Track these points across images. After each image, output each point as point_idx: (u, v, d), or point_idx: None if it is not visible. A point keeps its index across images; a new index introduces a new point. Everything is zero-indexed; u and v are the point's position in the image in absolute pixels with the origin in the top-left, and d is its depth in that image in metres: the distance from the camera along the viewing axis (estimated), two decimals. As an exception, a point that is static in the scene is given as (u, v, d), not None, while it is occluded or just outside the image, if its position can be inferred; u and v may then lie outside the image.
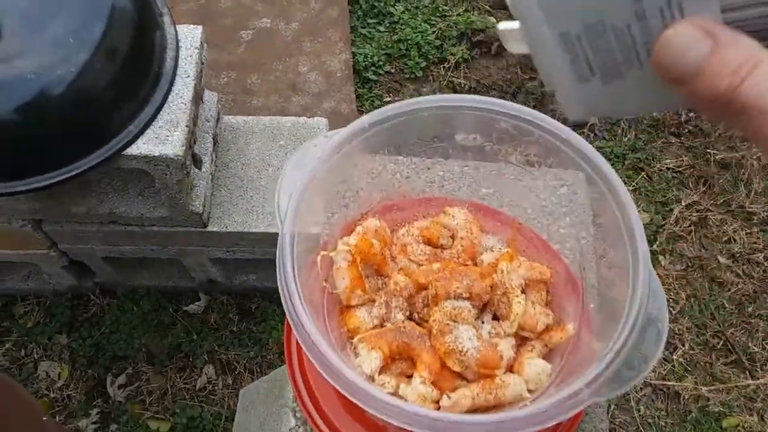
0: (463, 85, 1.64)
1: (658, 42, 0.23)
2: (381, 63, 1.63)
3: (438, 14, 1.73)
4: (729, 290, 1.41)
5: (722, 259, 1.45)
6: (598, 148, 1.50)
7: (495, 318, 0.55)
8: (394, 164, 0.61)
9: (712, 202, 1.51)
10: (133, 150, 0.91)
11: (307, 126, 1.19)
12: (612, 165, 0.54)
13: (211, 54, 1.35)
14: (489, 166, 0.63)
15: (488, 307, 0.55)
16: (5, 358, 1.28)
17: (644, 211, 1.50)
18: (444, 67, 1.66)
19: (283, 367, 0.87)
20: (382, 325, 0.54)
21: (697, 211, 1.50)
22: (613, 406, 1.27)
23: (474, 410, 0.50)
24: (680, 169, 1.55)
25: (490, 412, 0.50)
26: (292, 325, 0.46)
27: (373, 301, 0.55)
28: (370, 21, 1.70)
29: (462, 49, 1.67)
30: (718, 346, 1.35)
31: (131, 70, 0.90)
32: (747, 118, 0.21)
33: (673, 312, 1.38)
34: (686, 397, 1.28)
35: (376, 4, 1.72)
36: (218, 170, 1.14)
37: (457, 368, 0.50)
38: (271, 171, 1.15)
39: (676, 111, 1.61)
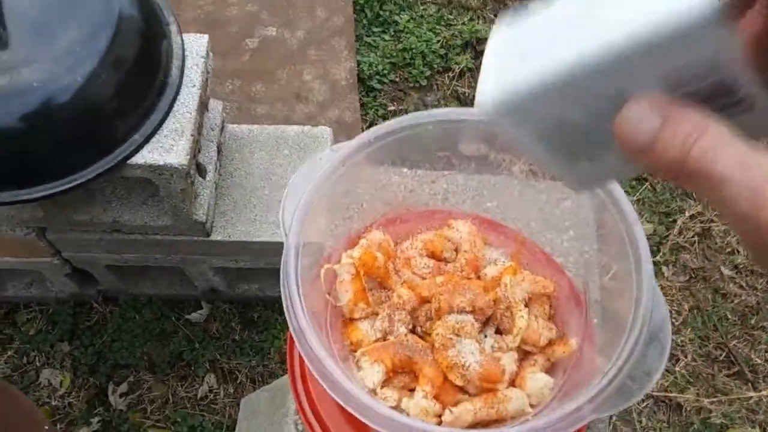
0: (467, 94, 1.65)
1: (615, 122, 0.24)
2: (385, 72, 1.64)
3: (443, 23, 1.74)
4: (732, 302, 1.41)
5: (725, 271, 1.44)
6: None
7: (498, 332, 0.55)
8: (398, 177, 0.61)
9: (715, 213, 1.51)
10: (137, 159, 0.92)
11: (311, 135, 1.19)
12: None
13: (217, 62, 1.35)
14: (493, 179, 0.63)
15: (491, 321, 0.55)
16: (7, 366, 1.28)
17: (648, 221, 1.50)
18: (449, 76, 1.67)
19: (284, 377, 0.87)
20: (385, 339, 0.54)
21: (701, 222, 1.50)
22: (615, 418, 1.27)
23: (476, 424, 0.50)
24: (683, 179, 1.55)
25: (492, 427, 0.50)
26: (294, 338, 0.46)
27: (377, 314, 0.55)
28: (375, 30, 1.71)
29: (467, 58, 1.68)
30: (721, 358, 1.35)
31: (137, 80, 0.91)
32: (699, 184, 0.23)
33: (676, 323, 1.37)
34: (688, 408, 1.28)
35: (381, 13, 1.73)
36: (222, 179, 1.15)
37: (459, 382, 0.50)
38: (274, 180, 1.15)
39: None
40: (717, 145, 0.22)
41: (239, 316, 1.33)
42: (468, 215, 0.63)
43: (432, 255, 0.60)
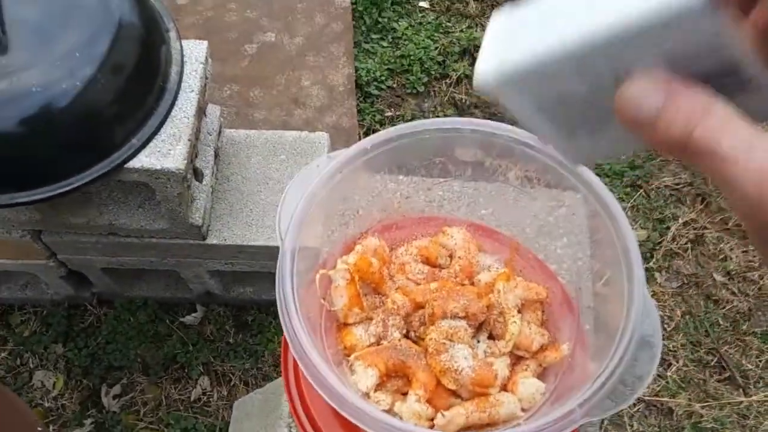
0: (464, 101, 1.66)
1: (618, 96, 0.25)
2: (383, 78, 1.65)
3: (441, 30, 1.75)
4: (724, 308, 1.42)
5: (718, 277, 1.46)
6: (597, 166, 1.52)
7: (491, 337, 0.56)
8: (394, 184, 0.62)
9: (709, 219, 1.52)
10: (135, 163, 0.92)
11: (309, 141, 1.20)
12: (610, 182, 0.55)
13: (215, 67, 1.36)
14: (488, 186, 0.64)
15: (484, 327, 0.56)
16: (0, 367, 1.28)
17: (642, 228, 1.51)
18: (446, 82, 1.68)
19: (278, 380, 0.87)
20: (378, 343, 0.54)
21: (694, 228, 1.51)
22: (606, 422, 1.28)
23: (468, 428, 0.50)
24: (678, 186, 1.56)
25: (484, 431, 0.51)
26: (289, 342, 0.47)
27: (371, 319, 0.56)
28: (373, 36, 1.72)
29: (464, 65, 1.69)
30: (712, 363, 1.36)
31: (136, 85, 0.91)
32: (702, 162, 0.23)
33: (668, 329, 1.39)
34: (679, 413, 1.29)
35: (380, 19, 1.74)
36: (219, 183, 1.15)
37: (452, 386, 0.51)
38: (271, 185, 1.16)
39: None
40: (722, 124, 0.23)
41: (233, 319, 1.33)
42: (463, 222, 0.64)
43: (426, 261, 0.61)
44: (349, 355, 0.53)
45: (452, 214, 0.65)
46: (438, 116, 1.61)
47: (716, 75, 0.24)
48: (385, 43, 1.71)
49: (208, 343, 1.30)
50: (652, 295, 1.42)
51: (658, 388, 1.32)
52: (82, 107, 0.86)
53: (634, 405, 1.30)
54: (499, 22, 0.28)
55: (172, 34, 0.99)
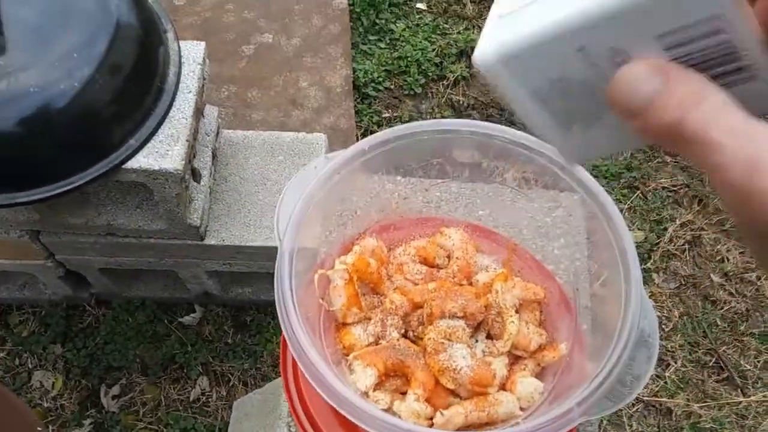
0: (461, 102, 1.66)
1: (613, 80, 0.24)
2: (381, 79, 1.65)
3: (438, 32, 1.75)
4: (722, 308, 1.42)
5: (715, 278, 1.46)
6: (594, 167, 1.53)
7: (489, 337, 0.56)
8: (392, 185, 0.62)
9: (706, 221, 1.52)
10: (132, 163, 0.92)
11: (306, 141, 1.20)
12: (607, 183, 0.56)
13: (213, 68, 1.36)
14: (486, 187, 0.64)
15: (482, 327, 0.56)
16: (-1, 368, 1.28)
17: (639, 229, 1.51)
18: (443, 84, 1.68)
19: (277, 380, 0.87)
20: (377, 343, 0.55)
21: (692, 230, 1.51)
22: (605, 422, 1.28)
23: (467, 427, 0.51)
24: (675, 188, 1.57)
25: (483, 430, 0.51)
26: (288, 341, 0.47)
27: (369, 318, 0.56)
28: (371, 38, 1.73)
29: (461, 67, 1.69)
30: (711, 364, 1.36)
31: (134, 86, 0.91)
32: (692, 150, 0.23)
33: (666, 330, 1.39)
34: (678, 413, 1.29)
35: (377, 21, 1.74)
36: (217, 184, 1.15)
37: (450, 386, 0.51)
38: (269, 185, 1.16)
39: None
40: (715, 111, 0.22)
41: (232, 319, 1.33)
42: (460, 223, 0.64)
43: (424, 261, 0.61)
44: (347, 355, 0.54)
45: (450, 215, 0.66)
46: (435, 117, 1.62)
47: (715, 62, 0.24)
48: (382, 45, 1.72)
49: (206, 344, 1.30)
50: (650, 296, 1.42)
51: (656, 389, 1.32)
52: (80, 108, 0.86)
53: (633, 405, 1.30)
54: (500, 4, 0.28)
55: (170, 35, 0.99)
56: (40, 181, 0.89)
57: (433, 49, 1.71)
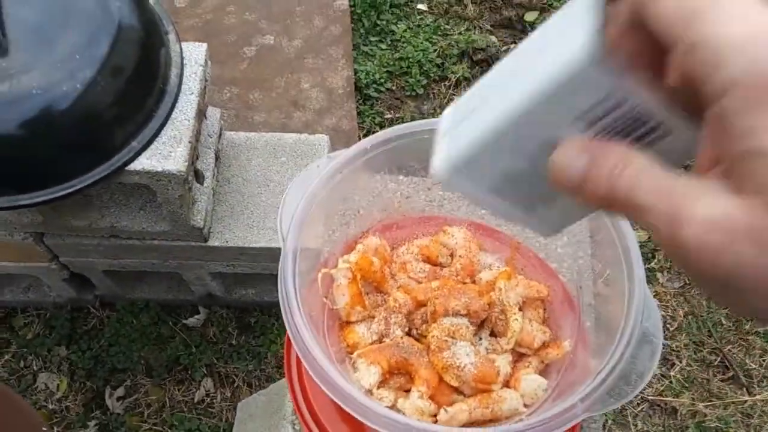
0: (462, 102, 1.66)
1: (548, 168, 0.26)
2: (382, 80, 1.65)
3: (440, 33, 1.75)
4: (726, 307, 1.42)
5: (719, 277, 1.45)
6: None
7: (493, 335, 0.56)
8: (394, 184, 0.62)
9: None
10: (135, 165, 0.92)
11: (308, 143, 1.20)
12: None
13: (215, 70, 1.37)
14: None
15: (486, 324, 0.56)
16: (4, 370, 1.28)
17: (642, 229, 1.51)
18: (445, 85, 1.68)
19: (281, 381, 0.87)
20: (381, 341, 0.55)
21: (694, 228, 1.51)
22: (610, 422, 1.28)
23: (470, 424, 0.51)
24: (677, 187, 1.56)
25: (487, 426, 0.51)
26: (292, 339, 0.47)
27: (373, 317, 0.56)
28: (372, 39, 1.73)
29: (463, 68, 1.69)
30: (716, 363, 1.36)
31: (136, 87, 0.92)
32: (629, 215, 0.24)
33: (671, 329, 1.39)
34: (683, 412, 1.29)
35: (378, 22, 1.75)
36: (220, 185, 1.15)
37: (454, 383, 0.51)
38: (272, 187, 1.16)
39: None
40: (638, 176, 0.23)
41: (236, 320, 1.34)
42: (463, 221, 0.64)
43: (427, 260, 0.61)
44: (351, 353, 0.54)
45: (453, 214, 0.66)
46: (437, 118, 1.61)
47: (633, 126, 0.25)
48: (383, 46, 1.72)
49: (211, 345, 1.31)
50: (655, 296, 1.42)
51: (661, 388, 1.32)
52: (82, 109, 0.86)
53: (638, 404, 1.30)
54: (447, 115, 0.31)
55: (172, 37, 0.99)
56: (42, 183, 0.89)
57: (435, 50, 1.71)
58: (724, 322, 1.40)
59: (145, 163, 0.93)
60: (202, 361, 1.29)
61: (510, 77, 0.27)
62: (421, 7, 1.81)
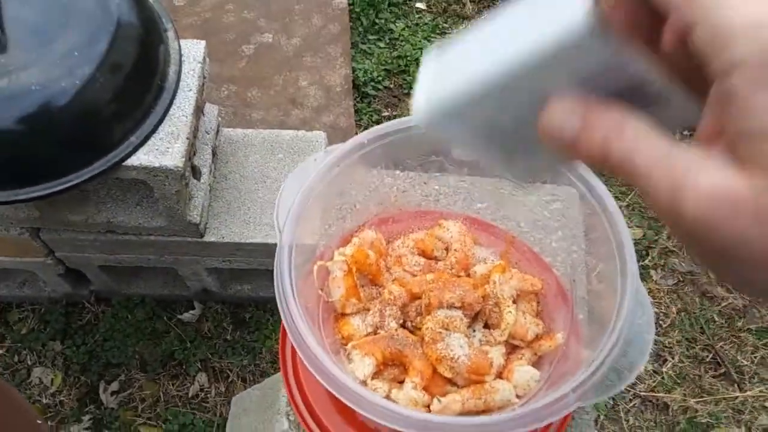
0: (458, 100, 1.67)
1: (539, 124, 0.26)
2: (380, 78, 1.66)
3: (438, 31, 1.76)
4: (719, 305, 1.43)
5: (713, 275, 1.47)
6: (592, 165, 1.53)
7: (486, 327, 0.57)
8: (391, 178, 0.62)
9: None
10: (133, 161, 0.93)
11: (306, 139, 1.21)
12: (605, 180, 0.56)
13: (213, 67, 1.37)
14: (484, 181, 0.65)
15: (480, 317, 0.57)
16: (-1, 365, 1.29)
17: (637, 226, 1.52)
18: (440, 83, 1.69)
19: (275, 376, 0.88)
20: (375, 333, 0.55)
21: (688, 227, 1.52)
22: (602, 417, 1.29)
23: (464, 415, 0.51)
24: (671, 186, 1.57)
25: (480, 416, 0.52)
26: (287, 330, 0.47)
27: (368, 309, 0.57)
28: (370, 37, 1.73)
29: (459, 66, 1.70)
30: (708, 359, 1.37)
31: (135, 84, 0.92)
32: (623, 176, 0.24)
33: (664, 325, 1.40)
34: (675, 408, 1.30)
35: (376, 21, 1.75)
36: (217, 182, 1.16)
37: (448, 374, 0.52)
38: (269, 183, 1.16)
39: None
40: (636, 140, 0.23)
41: (231, 316, 1.34)
42: (459, 216, 0.65)
43: (423, 253, 0.62)
44: (346, 345, 0.54)
45: (448, 208, 0.66)
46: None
47: (627, 92, 0.25)
48: (382, 44, 1.72)
49: (205, 340, 1.31)
50: (648, 293, 1.43)
51: (653, 384, 1.33)
52: (81, 106, 0.87)
53: (630, 400, 1.31)
54: (430, 61, 0.31)
55: (171, 34, 1.00)
56: (40, 178, 0.89)
57: (432, 49, 1.71)
58: (716, 319, 1.41)
59: (142, 158, 0.93)
60: (196, 356, 1.29)
61: (507, 34, 0.27)
62: (420, 5, 1.82)
